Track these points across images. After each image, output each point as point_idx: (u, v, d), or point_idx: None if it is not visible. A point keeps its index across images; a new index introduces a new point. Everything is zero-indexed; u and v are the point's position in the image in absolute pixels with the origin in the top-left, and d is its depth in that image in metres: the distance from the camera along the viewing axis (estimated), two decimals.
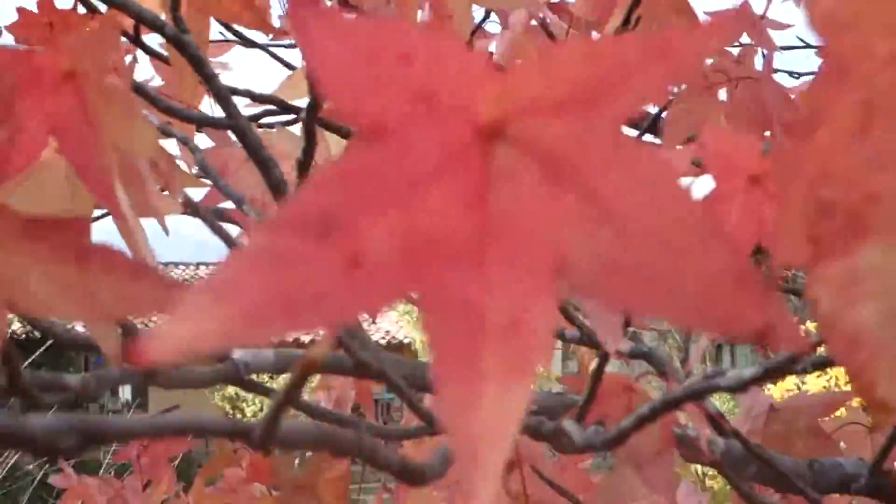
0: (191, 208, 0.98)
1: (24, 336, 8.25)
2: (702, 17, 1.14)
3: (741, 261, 0.29)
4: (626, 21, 0.98)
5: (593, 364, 1.22)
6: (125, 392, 12.50)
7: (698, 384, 0.66)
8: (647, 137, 1.36)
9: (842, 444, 1.41)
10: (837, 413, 1.57)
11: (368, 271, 0.26)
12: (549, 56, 0.28)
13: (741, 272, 0.29)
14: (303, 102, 1.02)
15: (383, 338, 11.20)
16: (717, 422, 1.15)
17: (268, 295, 0.25)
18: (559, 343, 1.59)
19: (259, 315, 0.24)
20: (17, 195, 0.59)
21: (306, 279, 0.25)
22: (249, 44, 1.55)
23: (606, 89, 0.29)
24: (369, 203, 0.26)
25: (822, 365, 0.84)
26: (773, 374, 0.62)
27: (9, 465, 7.24)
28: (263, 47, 1.57)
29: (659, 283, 0.29)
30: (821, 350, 0.71)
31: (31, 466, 7.23)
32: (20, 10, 1.07)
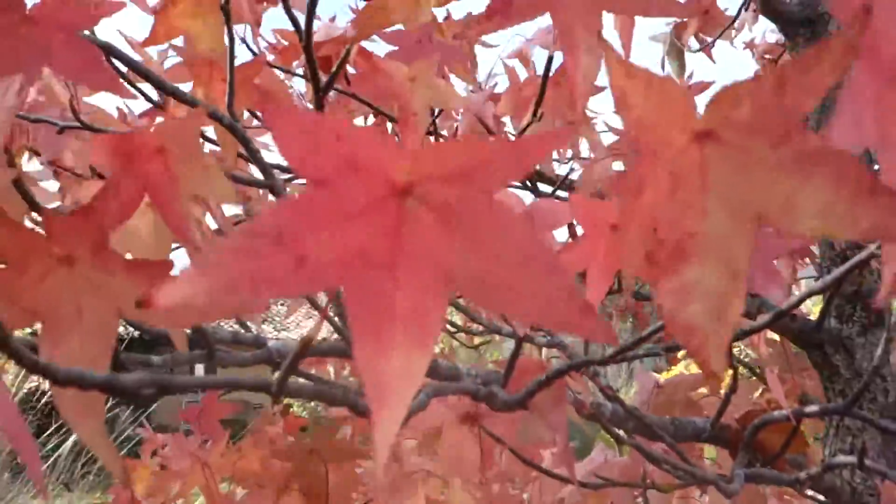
0: None
1: (128, 336, 8.13)
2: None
3: (569, 284, 0.32)
4: (534, 114, 1.01)
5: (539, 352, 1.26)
6: (198, 372, 12.33)
7: (577, 360, 0.69)
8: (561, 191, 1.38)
9: (705, 412, 1.44)
10: (703, 389, 1.61)
11: (310, 268, 0.28)
12: (443, 147, 0.31)
13: (569, 292, 0.32)
14: None
15: None
16: (605, 392, 1.18)
17: (239, 275, 0.27)
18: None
19: (232, 287, 0.27)
20: (117, 238, 0.61)
21: (266, 268, 0.27)
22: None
23: (480, 171, 0.32)
24: (311, 224, 0.29)
25: (673, 349, 0.87)
26: (623, 352, 0.65)
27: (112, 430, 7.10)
28: None
29: (512, 295, 0.32)
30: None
31: (125, 426, 7.08)
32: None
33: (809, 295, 0.81)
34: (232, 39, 1.01)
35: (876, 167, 0.37)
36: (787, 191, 0.32)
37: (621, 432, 1.10)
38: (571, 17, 0.51)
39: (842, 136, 0.33)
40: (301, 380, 1.05)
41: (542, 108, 0.98)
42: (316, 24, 1.25)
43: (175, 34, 1.03)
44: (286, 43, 1.51)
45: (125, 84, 0.66)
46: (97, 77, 0.63)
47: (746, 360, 1.86)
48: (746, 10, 2.02)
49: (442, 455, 1.04)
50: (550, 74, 0.90)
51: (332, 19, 1.41)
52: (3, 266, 0.43)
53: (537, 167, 1.47)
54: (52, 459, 6.42)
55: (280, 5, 1.01)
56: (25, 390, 6.64)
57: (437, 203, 0.32)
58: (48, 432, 6.65)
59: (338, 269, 0.29)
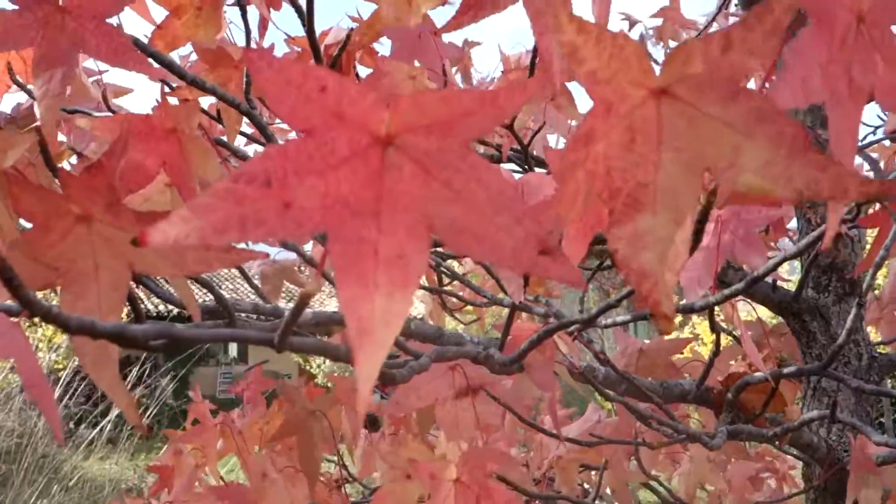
0: None
1: (157, 313, 8.19)
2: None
3: (538, 230, 0.32)
4: None
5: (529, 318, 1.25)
6: (232, 350, 12.38)
7: (565, 320, 0.68)
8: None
9: (687, 375, 1.43)
10: (686, 353, 1.61)
11: (295, 212, 0.27)
12: (422, 99, 0.30)
13: (538, 237, 0.32)
14: None
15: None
16: (599, 357, 1.17)
17: (229, 216, 0.26)
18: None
19: (221, 227, 0.26)
20: (136, 203, 0.62)
21: (254, 211, 0.27)
22: None
23: (457, 122, 0.31)
24: (297, 171, 0.28)
25: (640, 317, 0.86)
26: (606, 310, 0.64)
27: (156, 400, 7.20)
28: None
29: (488, 241, 0.31)
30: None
31: (166, 395, 7.15)
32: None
33: (784, 260, 0.81)
34: (248, 31, 1.01)
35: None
36: (733, 147, 0.32)
37: (612, 393, 1.09)
38: (541, 2, 0.50)
39: (787, 94, 0.32)
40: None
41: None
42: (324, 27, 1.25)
43: (179, 44, 1.05)
44: (300, 49, 1.51)
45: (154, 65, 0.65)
46: (128, 59, 0.63)
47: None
48: (726, 8, 1.99)
49: (440, 423, 1.04)
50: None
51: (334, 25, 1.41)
52: (29, 226, 0.43)
53: (533, 152, 1.46)
54: (100, 425, 6.51)
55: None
56: (76, 361, 6.73)
57: (417, 153, 0.31)
58: (94, 399, 6.76)
59: (322, 214, 0.28)
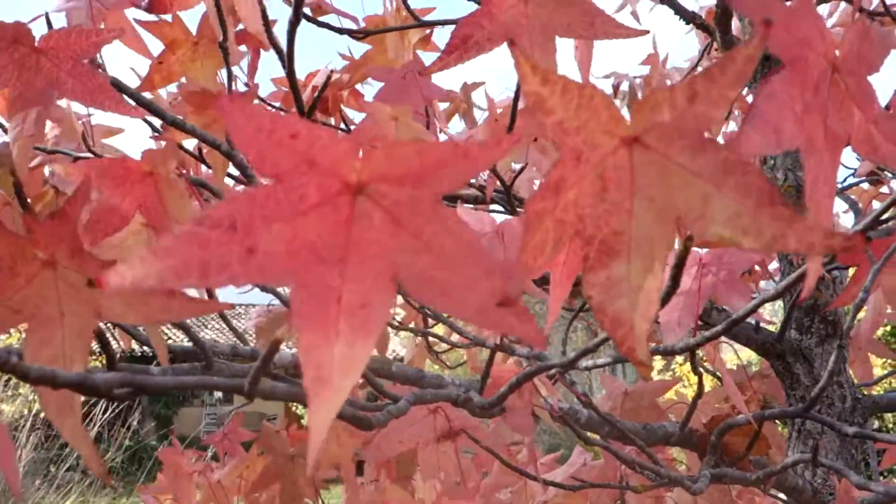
0: None
1: (140, 353, 8.09)
2: None
3: (504, 286, 0.32)
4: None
5: (511, 361, 1.24)
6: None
7: (544, 364, 0.68)
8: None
9: (672, 416, 1.43)
10: (671, 395, 1.60)
11: (260, 258, 0.27)
12: (395, 149, 0.30)
13: (504, 294, 0.31)
14: None
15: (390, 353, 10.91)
16: (581, 399, 1.16)
17: (190, 259, 0.26)
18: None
19: (182, 271, 0.25)
20: (109, 246, 0.61)
21: (216, 255, 0.26)
22: None
23: (429, 173, 0.31)
24: (264, 217, 0.28)
25: (621, 360, 0.86)
26: (584, 355, 0.63)
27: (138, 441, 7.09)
28: None
29: (454, 294, 0.31)
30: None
31: (150, 438, 7.06)
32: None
33: (764, 301, 0.80)
34: (230, 74, 1.01)
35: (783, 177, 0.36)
36: (702, 197, 0.32)
37: (597, 437, 1.08)
38: (525, 45, 0.50)
39: (758, 140, 0.32)
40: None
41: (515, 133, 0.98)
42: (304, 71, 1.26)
43: (174, 78, 1.06)
44: (286, 89, 1.52)
45: (131, 105, 0.66)
46: (104, 99, 0.63)
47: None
48: (708, 55, 2.02)
49: (422, 467, 1.03)
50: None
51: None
52: None
53: (518, 193, 1.46)
54: (80, 467, 6.42)
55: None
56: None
57: (388, 202, 0.31)
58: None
59: (287, 261, 0.28)
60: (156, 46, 1.07)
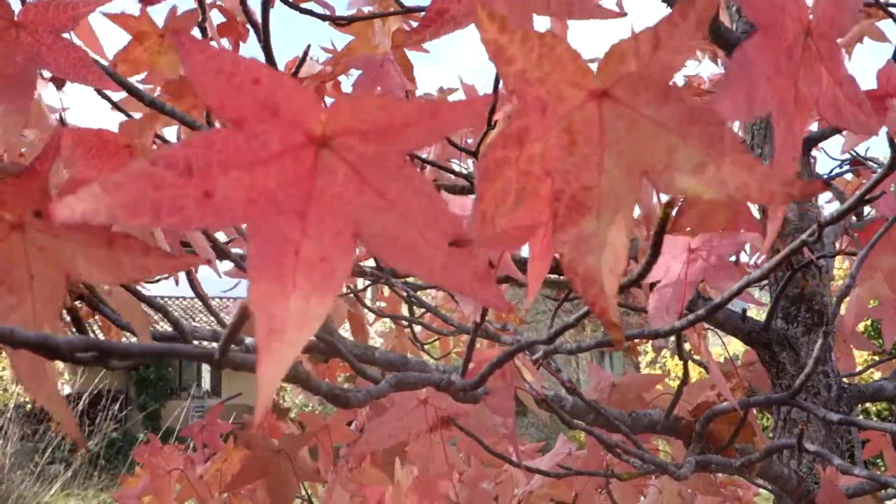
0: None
1: None
2: None
3: (469, 252, 0.31)
4: (488, 124, 1.00)
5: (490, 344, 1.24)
6: (205, 383, 12.14)
7: (524, 343, 0.68)
8: None
9: (657, 408, 1.43)
10: (658, 387, 1.60)
11: (217, 202, 0.26)
12: (360, 101, 0.29)
13: (468, 258, 0.32)
14: None
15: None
16: (567, 387, 1.17)
17: (142, 198, 0.25)
18: None
19: (132, 208, 0.25)
20: None
21: (170, 197, 0.26)
22: None
23: (396, 131, 0.31)
24: (222, 162, 0.27)
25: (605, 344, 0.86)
26: (564, 330, 0.63)
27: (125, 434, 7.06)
28: None
29: (417, 254, 0.31)
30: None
31: (141, 436, 7.06)
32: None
33: (747, 284, 0.81)
34: None
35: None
36: (668, 148, 0.32)
37: (579, 423, 1.08)
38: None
39: (730, 107, 0.32)
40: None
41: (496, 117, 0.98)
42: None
43: (142, 69, 1.06)
44: None
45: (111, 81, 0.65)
46: (88, 73, 0.62)
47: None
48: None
49: (413, 459, 1.02)
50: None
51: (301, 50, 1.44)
52: None
53: None
54: (67, 461, 6.42)
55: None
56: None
57: (353, 157, 0.30)
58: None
59: (245, 208, 0.27)
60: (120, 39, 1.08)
